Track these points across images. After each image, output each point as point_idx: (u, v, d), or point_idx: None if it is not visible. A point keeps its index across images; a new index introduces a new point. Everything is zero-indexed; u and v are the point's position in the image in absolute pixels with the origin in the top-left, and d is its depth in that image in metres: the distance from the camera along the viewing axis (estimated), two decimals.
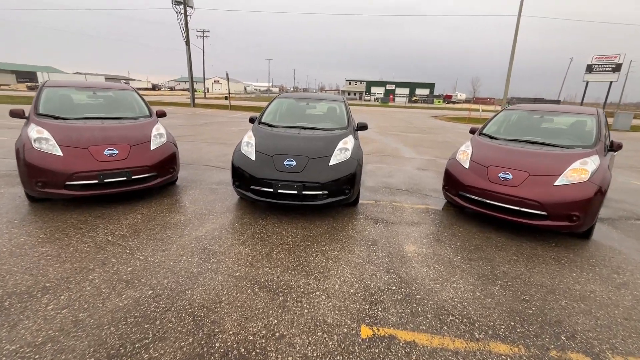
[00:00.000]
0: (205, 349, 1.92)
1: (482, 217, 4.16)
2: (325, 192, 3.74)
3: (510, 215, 3.54)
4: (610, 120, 18.53)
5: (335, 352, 1.95)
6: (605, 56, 27.28)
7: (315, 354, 1.93)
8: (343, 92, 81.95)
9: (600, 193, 3.36)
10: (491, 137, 4.57)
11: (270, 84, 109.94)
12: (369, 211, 4.33)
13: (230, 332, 2.06)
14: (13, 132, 8.84)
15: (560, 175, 3.47)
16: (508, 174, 3.62)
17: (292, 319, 2.22)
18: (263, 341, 2.01)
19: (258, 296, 2.44)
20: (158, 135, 4.45)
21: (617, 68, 26.55)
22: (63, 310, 2.17)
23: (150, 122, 4.72)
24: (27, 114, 4.23)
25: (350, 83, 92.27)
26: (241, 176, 3.87)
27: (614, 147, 4.01)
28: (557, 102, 46.34)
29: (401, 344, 2.04)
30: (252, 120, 5.09)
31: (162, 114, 5.26)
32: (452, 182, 4.11)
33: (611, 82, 26.92)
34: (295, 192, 3.67)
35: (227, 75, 26.16)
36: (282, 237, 3.44)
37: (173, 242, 3.20)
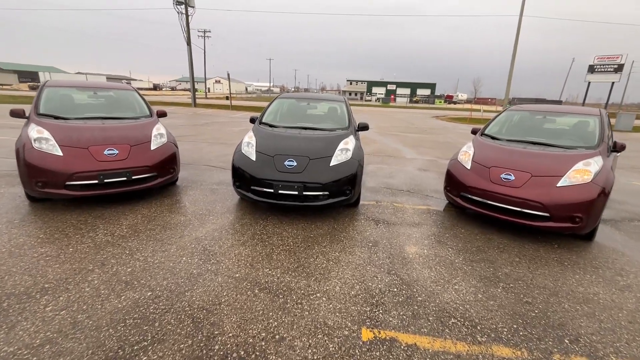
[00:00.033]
0: (204, 352, 1.90)
1: (484, 219, 4.13)
2: (326, 192, 3.72)
3: (512, 217, 3.52)
4: (612, 120, 18.46)
5: (336, 355, 1.93)
6: (607, 56, 27.21)
7: (315, 357, 1.91)
8: (344, 92, 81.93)
9: (604, 194, 3.33)
10: (493, 138, 4.54)
11: (272, 84, 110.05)
12: (370, 212, 4.31)
13: (230, 335, 2.05)
14: (15, 132, 8.84)
15: (563, 176, 3.44)
16: (510, 175, 3.60)
17: (293, 321, 2.20)
18: (263, 344, 1.99)
19: (258, 298, 2.42)
20: (158, 135, 4.44)
21: (619, 68, 26.47)
22: (62, 312, 2.15)
23: (150, 122, 4.71)
24: (27, 114, 4.23)
25: (351, 83, 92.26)
26: (242, 177, 3.85)
27: (617, 147, 3.98)
28: (559, 102, 46.22)
29: (402, 347, 2.02)
30: (252, 121, 5.07)
31: (162, 114, 5.25)
32: (453, 182, 4.08)
33: (613, 83, 26.83)
34: (296, 192, 3.65)
35: (229, 75, 26.15)
36: (282, 238, 3.42)
37: (173, 243, 3.18)
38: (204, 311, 2.24)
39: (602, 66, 27.55)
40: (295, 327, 2.14)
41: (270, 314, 2.25)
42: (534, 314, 2.39)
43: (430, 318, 2.30)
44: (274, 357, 1.89)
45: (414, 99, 79.17)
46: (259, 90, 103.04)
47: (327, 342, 2.03)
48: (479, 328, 2.22)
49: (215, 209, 4.14)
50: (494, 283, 2.78)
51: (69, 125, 4.07)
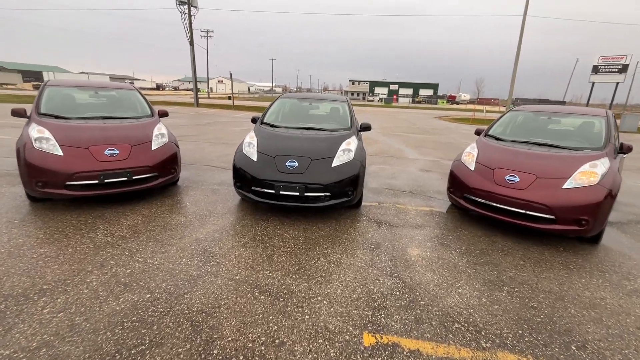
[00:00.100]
0: (202, 356, 1.87)
1: (488, 220, 4.07)
2: (328, 193, 3.68)
3: (516, 219, 3.46)
4: (617, 121, 18.31)
5: None
6: (612, 57, 27.01)
7: None
8: (346, 92, 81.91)
9: (610, 197, 3.27)
10: (497, 139, 4.48)
11: (274, 84, 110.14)
12: (372, 213, 4.26)
13: (229, 339, 2.01)
14: (16, 132, 8.86)
15: (568, 178, 3.38)
16: (515, 177, 3.54)
17: (293, 325, 2.16)
18: (262, 348, 1.95)
19: (258, 301, 2.38)
20: (159, 135, 4.41)
21: (623, 69, 26.26)
22: (59, 314, 2.12)
23: (151, 122, 4.69)
24: (28, 114, 4.22)
25: (353, 83, 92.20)
26: (243, 177, 3.82)
27: (624, 149, 3.91)
28: (563, 103, 45.92)
29: (405, 353, 1.97)
30: (254, 121, 5.04)
31: (164, 114, 5.24)
32: (457, 184, 4.03)
33: (617, 83, 26.62)
34: (297, 193, 3.61)
35: (231, 75, 26.13)
36: (283, 240, 3.39)
37: (173, 244, 3.15)
38: (203, 314, 2.20)
39: (606, 67, 27.34)
40: (295, 331, 2.10)
41: (271, 317, 2.22)
42: (539, 319, 2.34)
43: (434, 323, 2.25)
44: None
45: (417, 99, 78.96)
46: (261, 90, 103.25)
47: (327, 347, 1.99)
48: (483, 333, 2.17)
49: (216, 209, 4.11)
50: (499, 287, 2.73)
51: (70, 125, 4.06)
